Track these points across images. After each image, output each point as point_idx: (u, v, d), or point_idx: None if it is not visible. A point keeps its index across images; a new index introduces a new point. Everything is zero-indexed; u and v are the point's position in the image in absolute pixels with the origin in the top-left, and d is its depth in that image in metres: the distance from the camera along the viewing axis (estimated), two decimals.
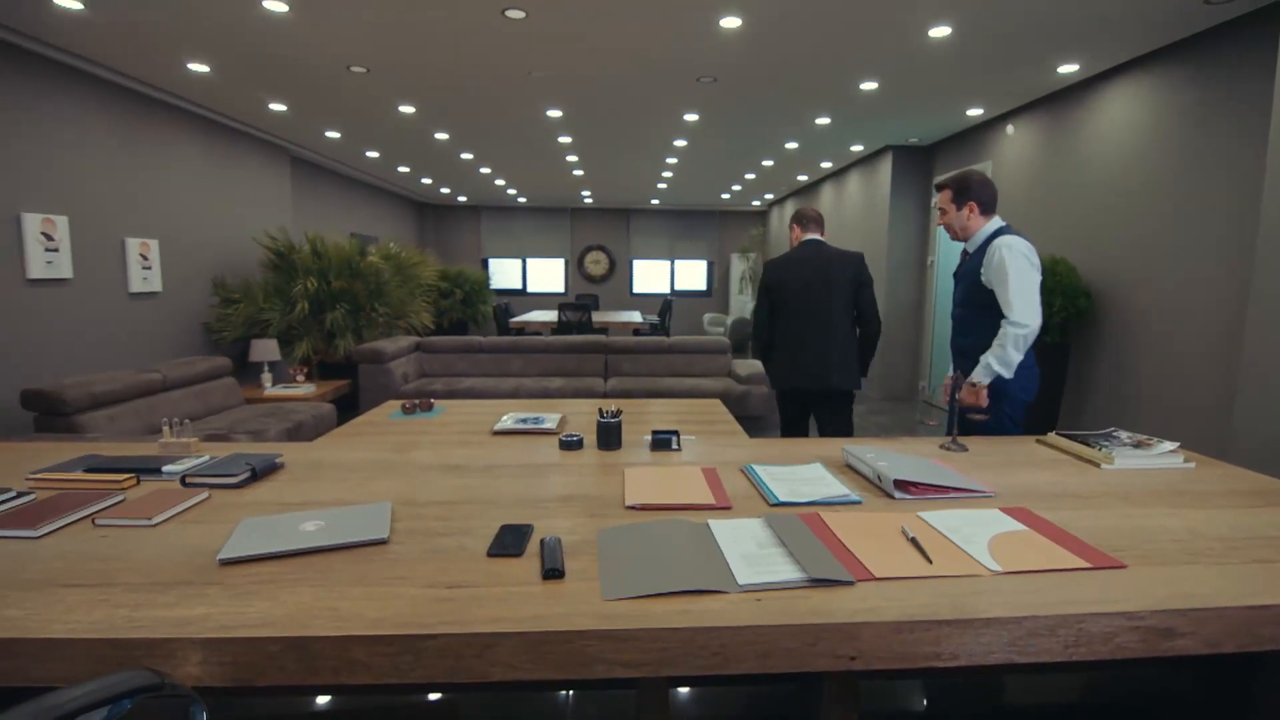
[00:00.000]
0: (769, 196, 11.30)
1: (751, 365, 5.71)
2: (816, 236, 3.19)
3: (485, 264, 13.26)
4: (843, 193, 8.27)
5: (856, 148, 6.90)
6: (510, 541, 1.19)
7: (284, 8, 3.34)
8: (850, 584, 1.06)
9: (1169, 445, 1.78)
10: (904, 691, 1.58)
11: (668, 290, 13.45)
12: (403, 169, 8.73)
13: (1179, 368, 3.81)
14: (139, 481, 1.57)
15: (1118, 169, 4.26)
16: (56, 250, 4.16)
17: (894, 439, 2.02)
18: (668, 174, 8.90)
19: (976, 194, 2.42)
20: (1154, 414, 3.99)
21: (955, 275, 2.57)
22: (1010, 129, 5.40)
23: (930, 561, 1.14)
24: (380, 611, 0.96)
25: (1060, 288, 4.19)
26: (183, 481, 1.55)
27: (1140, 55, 4.06)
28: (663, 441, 1.89)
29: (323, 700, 1.67)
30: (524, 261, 13.40)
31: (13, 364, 3.80)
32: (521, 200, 12.27)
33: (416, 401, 4.21)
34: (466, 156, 7.78)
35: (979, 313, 2.40)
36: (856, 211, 7.75)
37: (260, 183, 6.59)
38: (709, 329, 12.02)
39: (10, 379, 3.75)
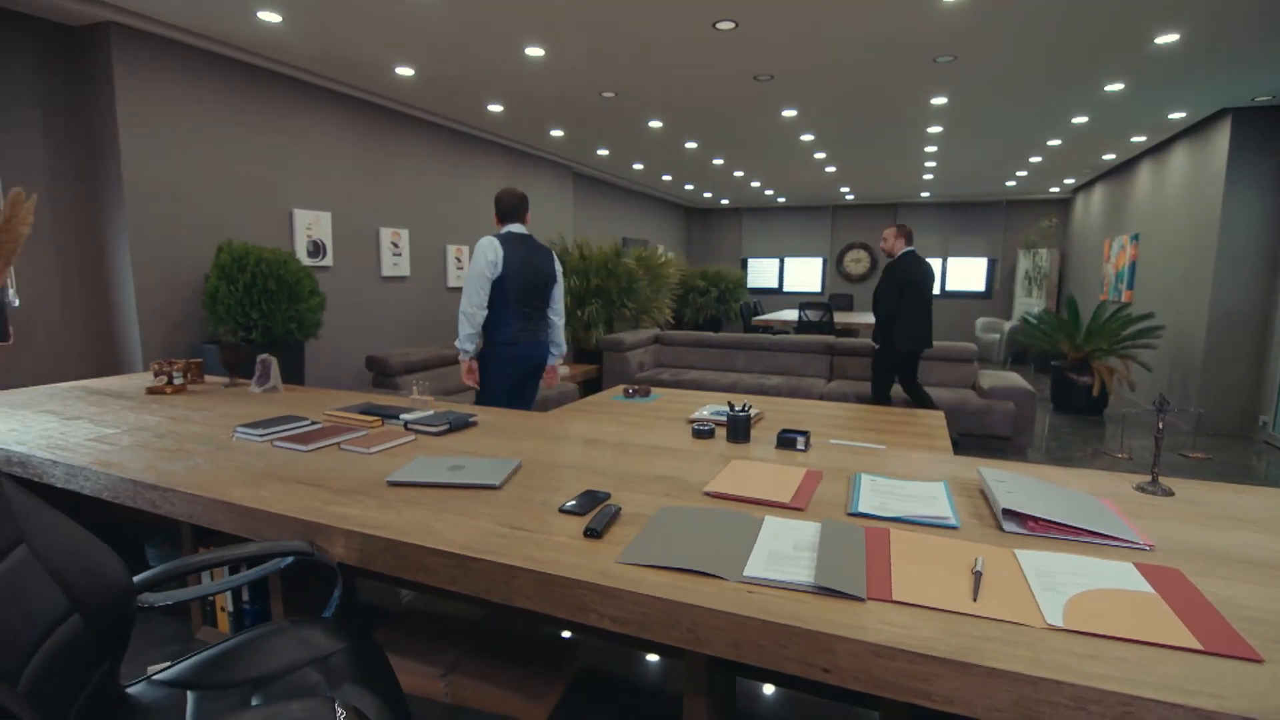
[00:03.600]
0: (1069, 181, 9.47)
1: (1002, 377, 5.00)
2: (913, 248, 4.58)
3: (744, 264, 13.62)
4: (1163, 172, 6.56)
5: (1176, 115, 5.44)
6: (581, 503, 1.40)
7: (540, 52, 4.01)
8: (859, 600, 1.03)
9: None
10: None
11: (937, 291, 12.20)
12: (666, 177, 9.48)
13: None
14: (383, 423, 2.16)
15: None
16: (400, 255, 5.59)
17: (1074, 469, 1.71)
18: (931, 164, 8.11)
19: (496, 206, 3.10)
20: None
21: None
22: None
23: (975, 599, 1.04)
24: (456, 535, 1.25)
25: None
26: (405, 426, 2.09)
27: None
28: (788, 440, 1.90)
29: (465, 607, 2.09)
30: (781, 261, 13.43)
31: (366, 337, 5.25)
32: (780, 200, 12.30)
33: (636, 387, 4.68)
34: (718, 162, 8.15)
35: None
36: (1178, 195, 6.09)
37: (549, 196, 7.84)
38: (981, 335, 10.59)
39: (363, 347, 5.19)
